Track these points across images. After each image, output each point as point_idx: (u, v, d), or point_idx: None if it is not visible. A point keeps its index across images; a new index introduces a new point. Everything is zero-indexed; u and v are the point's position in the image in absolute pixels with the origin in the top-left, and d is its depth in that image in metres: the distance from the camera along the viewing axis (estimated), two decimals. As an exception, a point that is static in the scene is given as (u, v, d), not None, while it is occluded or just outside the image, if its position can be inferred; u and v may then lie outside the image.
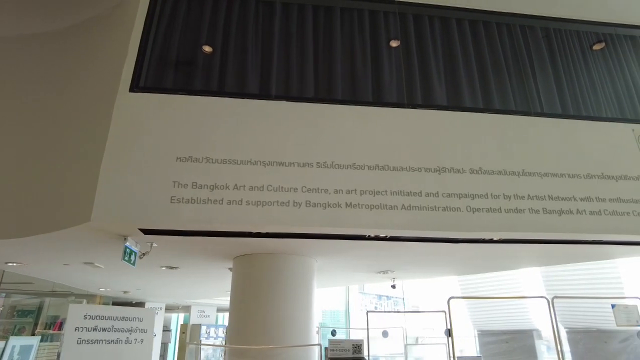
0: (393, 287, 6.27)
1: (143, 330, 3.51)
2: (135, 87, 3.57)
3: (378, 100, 3.92)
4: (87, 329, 3.02)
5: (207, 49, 3.91)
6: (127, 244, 3.73)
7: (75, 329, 2.97)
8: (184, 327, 13.33)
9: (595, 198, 3.67)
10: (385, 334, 7.27)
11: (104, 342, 3.08)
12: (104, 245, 4.02)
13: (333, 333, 8.03)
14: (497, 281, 7.98)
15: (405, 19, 4.33)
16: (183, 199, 3.13)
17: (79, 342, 2.93)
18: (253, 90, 3.81)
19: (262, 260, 4.42)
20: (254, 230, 3.40)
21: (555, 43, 4.60)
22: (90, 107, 3.77)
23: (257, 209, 3.15)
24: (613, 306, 4.31)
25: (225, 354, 4.31)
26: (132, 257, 3.90)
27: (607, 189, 3.72)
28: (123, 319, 3.37)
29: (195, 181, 3.19)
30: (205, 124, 3.44)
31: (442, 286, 9.32)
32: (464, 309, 8.55)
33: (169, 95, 3.56)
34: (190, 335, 12.72)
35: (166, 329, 13.57)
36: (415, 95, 3.97)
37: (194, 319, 12.98)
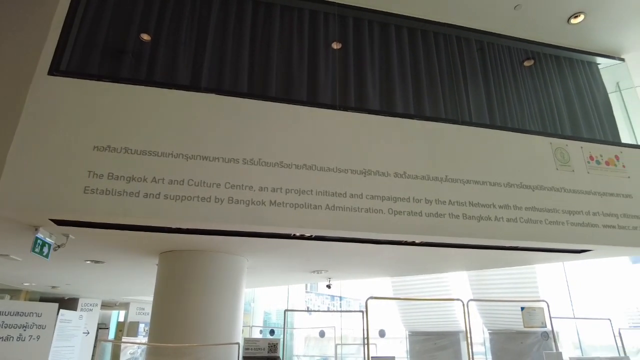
0: (328, 287, 6.31)
1: (41, 327, 3.29)
2: (54, 70, 3.36)
3: (312, 101, 3.92)
4: (-30, 325, 2.78)
5: (138, 36, 3.76)
6: (39, 234, 3.52)
7: (-45, 325, 2.74)
8: (121, 325, 12.82)
9: (513, 206, 3.85)
10: (322, 333, 7.32)
11: (-11, 338, 2.85)
12: (15, 235, 3.78)
13: (272, 332, 7.99)
14: (428, 283, 8.26)
15: (345, 21, 4.37)
16: (97, 189, 2.99)
17: (-44, 339, 2.69)
18: (183, 82, 3.70)
19: (188, 257, 4.30)
20: (173, 226, 3.30)
21: (488, 56, 4.80)
22: (2, 88, 3.51)
23: (176, 204, 3.05)
24: (522, 309, 4.57)
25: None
26: (45, 249, 3.68)
27: (524, 198, 3.91)
28: (16, 314, 3.14)
29: (112, 172, 3.05)
30: (128, 113, 3.29)
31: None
32: (396, 310, 8.79)
33: (92, 81, 3.38)
34: (127, 333, 12.27)
35: (104, 327, 13.01)
36: (349, 98, 4.01)
37: (132, 317, 12.53)
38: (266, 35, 4.09)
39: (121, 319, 13.51)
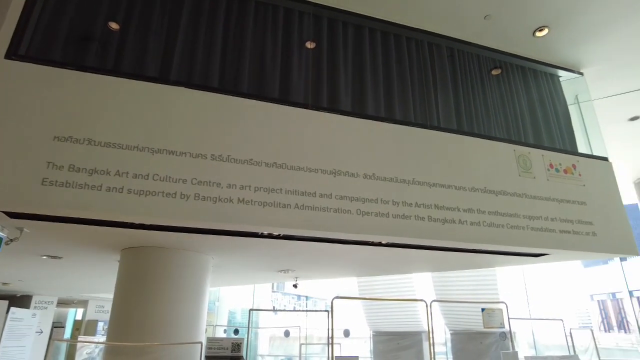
0: (295, 286, 6.30)
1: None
2: (13, 54, 3.19)
3: (284, 99, 3.90)
4: None
5: (106, 24, 3.63)
6: (-10, 228, 3.34)
7: None
8: (78, 323, 12.36)
9: (477, 210, 3.96)
10: (287, 333, 7.30)
11: None
12: (-37, 228, 3.56)
13: (236, 332, 7.89)
14: (393, 284, 8.41)
15: (320, 21, 4.38)
16: (57, 182, 2.85)
17: None
18: (152, 73, 3.60)
19: (151, 254, 4.18)
20: (136, 221, 3.21)
21: (458, 63, 4.93)
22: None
23: (140, 199, 2.96)
24: (483, 310, 4.73)
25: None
26: (-4, 243, 3.49)
27: (487, 202, 4.03)
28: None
29: (73, 164, 2.92)
30: (92, 103, 3.16)
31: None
32: (361, 310, 8.91)
33: (54, 68, 3.23)
34: (85, 332, 11.84)
35: (59, 325, 12.49)
36: (321, 98, 4.02)
37: (90, 315, 12.10)
38: (239, 30, 4.03)
39: (79, 317, 13.02)
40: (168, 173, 3.07)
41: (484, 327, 4.60)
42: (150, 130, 3.17)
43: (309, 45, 4.26)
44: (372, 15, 4.52)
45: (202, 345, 3.70)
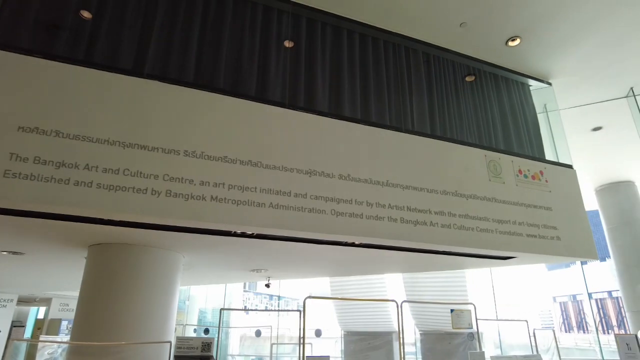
0: (267, 286, 6.27)
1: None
2: (-24, 39, 3.05)
3: (260, 97, 3.88)
4: None
5: (78, 12, 3.51)
6: (-55, 221, 3.17)
7: None
8: (39, 322, 11.91)
9: (448, 213, 4.04)
10: (258, 333, 7.25)
11: None
12: None
13: (206, 331, 7.79)
14: (365, 284, 8.51)
15: (298, 21, 4.37)
16: (21, 174, 2.74)
17: None
18: (125, 65, 3.51)
19: (120, 250, 4.07)
20: (105, 217, 3.11)
21: (433, 68, 5.02)
22: None
23: (109, 194, 2.88)
24: (452, 311, 4.85)
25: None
26: (-47, 238, 3.33)
27: (458, 206, 4.12)
28: None
29: (39, 156, 2.81)
30: (61, 94, 3.05)
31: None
32: (332, 310, 8.96)
33: (21, 55, 3.10)
34: (47, 331, 11.41)
35: (19, 324, 11.99)
36: (298, 97, 4.02)
37: (54, 313, 11.67)
38: (217, 26, 3.98)
39: (41, 316, 12.54)
40: (139, 168, 3.00)
41: (453, 328, 4.72)
42: (121, 123, 3.08)
43: (287, 44, 4.25)
44: (351, 17, 4.55)
45: (171, 345, 3.63)
